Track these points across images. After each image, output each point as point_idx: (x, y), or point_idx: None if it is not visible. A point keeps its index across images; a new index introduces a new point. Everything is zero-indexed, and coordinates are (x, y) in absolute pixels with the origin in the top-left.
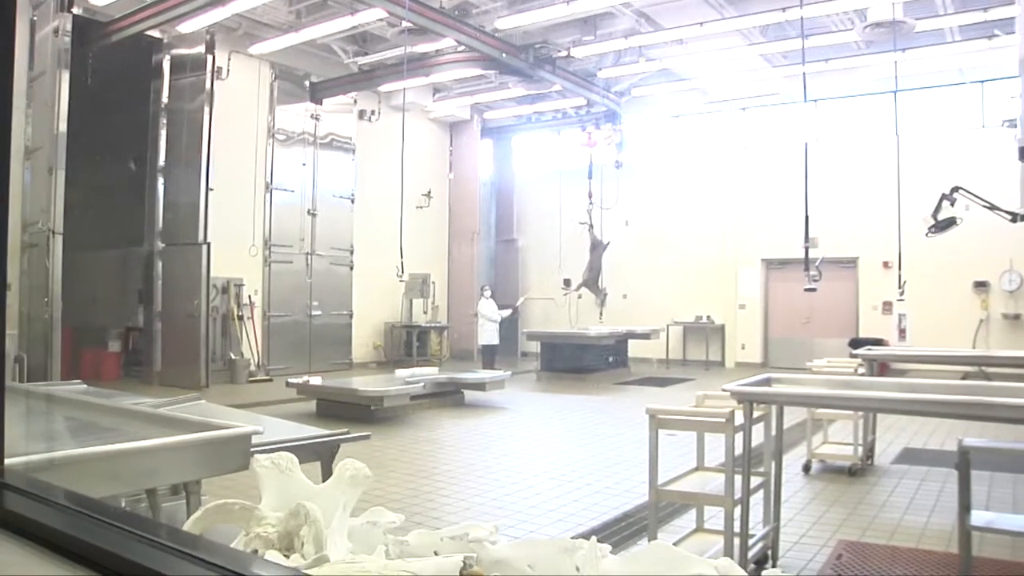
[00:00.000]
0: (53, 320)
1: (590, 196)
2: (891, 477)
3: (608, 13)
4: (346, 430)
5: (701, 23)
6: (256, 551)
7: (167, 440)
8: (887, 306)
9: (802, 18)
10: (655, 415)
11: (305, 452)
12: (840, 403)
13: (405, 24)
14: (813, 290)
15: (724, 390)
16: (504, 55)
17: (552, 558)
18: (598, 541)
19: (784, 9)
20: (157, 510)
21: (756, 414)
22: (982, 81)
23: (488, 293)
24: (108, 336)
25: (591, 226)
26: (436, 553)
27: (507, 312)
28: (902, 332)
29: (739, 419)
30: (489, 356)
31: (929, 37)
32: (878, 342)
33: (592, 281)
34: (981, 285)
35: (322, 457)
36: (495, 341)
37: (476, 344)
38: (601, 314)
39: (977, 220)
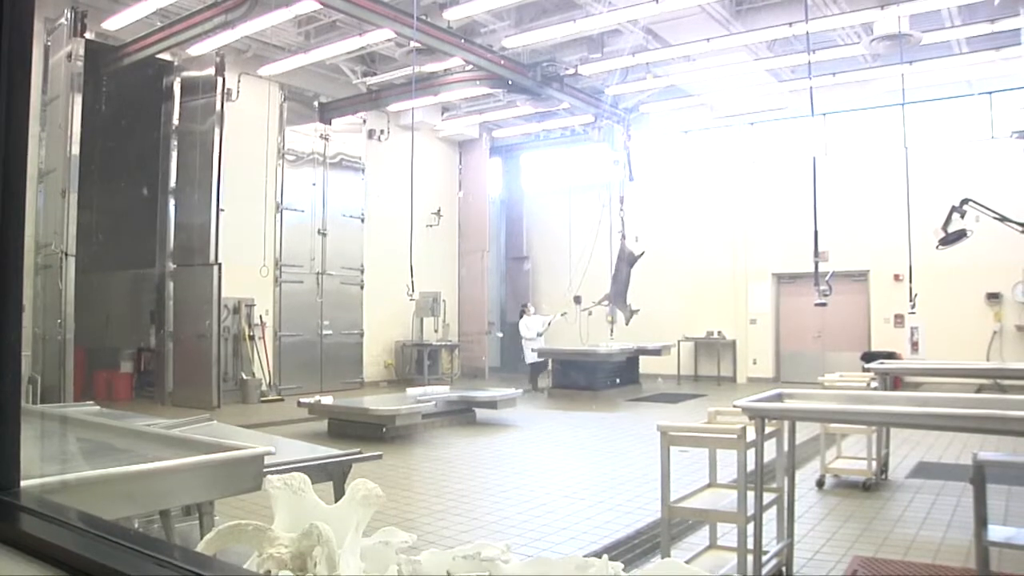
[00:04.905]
0: (66, 341)
1: (622, 201)
2: (906, 491)
3: (615, 30)
4: (358, 450)
5: (708, 39)
6: (269, 572)
7: (180, 461)
8: (899, 319)
9: (808, 33)
10: (666, 432)
11: (317, 472)
12: (852, 418)
13: (413, 44)
14: (824, 304)
15: (735, 406)
16: (512, 74)
17: None
18: (611, 559)
19: (791, 24)
20: (171, 531)
21: (768, 430)
22: (990, 92)
23: (532, 311)
24: (120, 357)
25: (623, 236)
26: (448, 573)
27: (543, 327)
28: (915, 345)
29: (751, 435)
30: (533, 373)
31: (936, 49)
32: (891, 355)
33: (618, 295)
34: (994, 296)
35: (334, 477)
36: (535, 359)
37: (487, 362)
38: (612, 331)
39: (988, 231)
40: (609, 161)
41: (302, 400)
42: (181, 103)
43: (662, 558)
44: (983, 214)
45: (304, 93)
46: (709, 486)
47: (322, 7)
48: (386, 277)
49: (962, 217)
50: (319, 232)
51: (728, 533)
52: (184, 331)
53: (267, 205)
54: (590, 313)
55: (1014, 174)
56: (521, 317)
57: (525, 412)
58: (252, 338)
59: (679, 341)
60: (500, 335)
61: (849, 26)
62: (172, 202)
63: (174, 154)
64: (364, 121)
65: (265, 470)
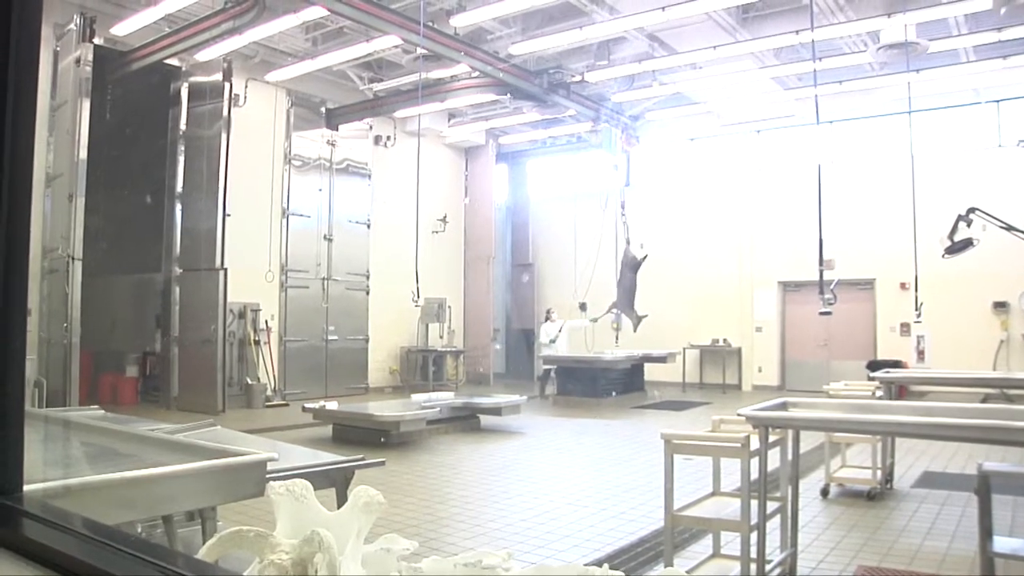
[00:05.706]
0: (72, 345)
1: (623, 206)
2: (911, 501)
3: (621, 38)
4: (361, 456)
5: (714, 46)
6: None
7: (183, 467)
8: (905, 328)
9: (813, 41)
10: (670, 440)
11: (320, 478)
12: (857, 427)
13: (420, 51)
14: (828, 313)
15: (739, 414)
16: (518, 81)
17: None
18: (614, 567)
19: (797, 32)
20: (173, 536)
21: (772, 438)
22: (997, 101)
23: (554, 317)
24: (126, 361)
25: (628, 241)
26: None
27: (556, 333)
28: (921, 354)
29: (755, 444)
30: (542, 379)
31: (943, 58)
32: (896, 364)
33: (623, 302)
34: (1000, 306)
35: (337, 483)
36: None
37: (491, 368)
38: (617, 338)
39: (995, 240)
40: (608, 166)
41: (307, 405)
42: (188, 108)
43: (665, 567)
44: (989, 223)
45: (311, 99)
46: (713, 494)
47: (329, 14)
48: (391, 283)
49: (968, 226)
50: (325, 238)
51: (732, 542)
52: (189, 336)
53: (273, 210)
54: (595, 320)
55: (1021, 183)
56: (545, 322)
57: (530, 419)
58: (257, 343)
59: (684, 348)
60: (499, 347)
61: (855, 34)
62: (179, 207)
63: (181, 159)
64: (371, 127)
65: (268, 476)
